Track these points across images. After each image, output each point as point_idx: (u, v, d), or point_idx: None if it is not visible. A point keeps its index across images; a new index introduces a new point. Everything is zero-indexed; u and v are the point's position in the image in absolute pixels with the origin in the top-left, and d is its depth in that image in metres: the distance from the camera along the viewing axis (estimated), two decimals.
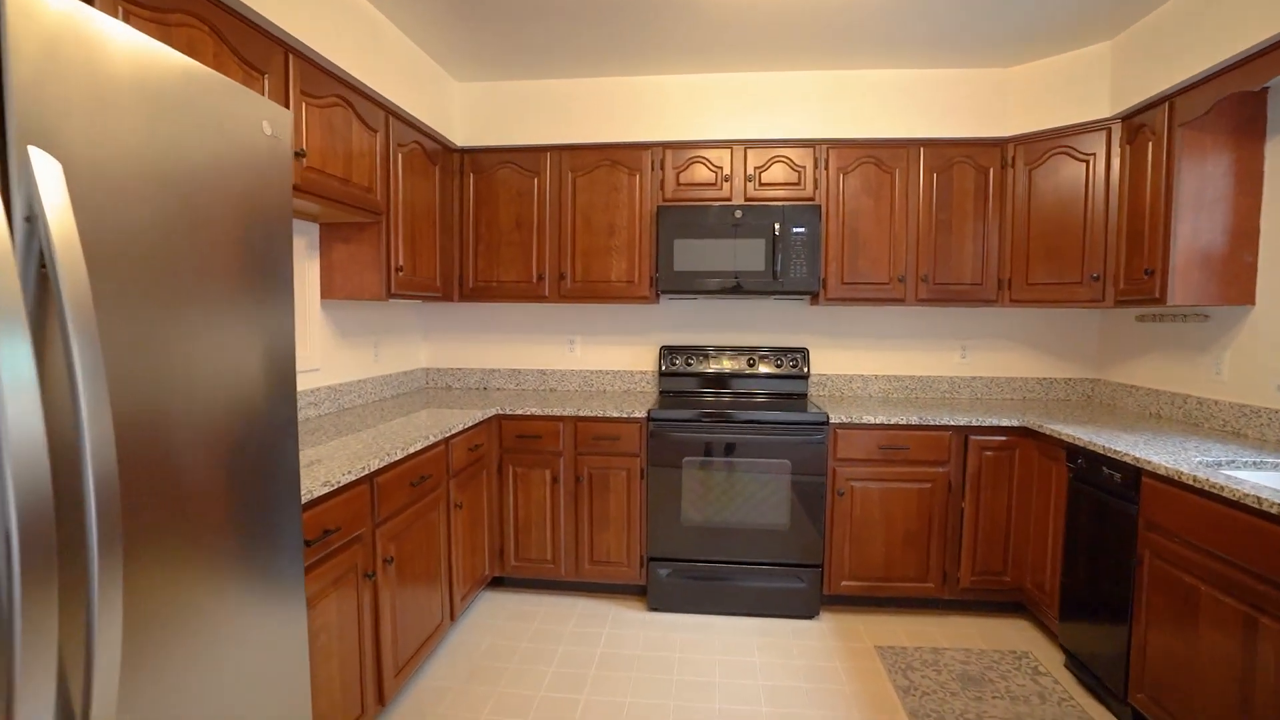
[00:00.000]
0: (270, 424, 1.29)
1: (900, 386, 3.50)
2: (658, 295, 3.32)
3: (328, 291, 2.75)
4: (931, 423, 2.85)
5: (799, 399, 3.40)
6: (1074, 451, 2.50)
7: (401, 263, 2.79)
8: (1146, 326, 3.04)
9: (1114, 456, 2.22)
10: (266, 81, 1.92)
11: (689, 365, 3.51)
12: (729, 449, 2.92)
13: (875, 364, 3.53)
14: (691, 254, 3.16)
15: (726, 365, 3.50)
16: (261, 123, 1.21)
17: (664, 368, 3.52)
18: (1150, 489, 2.06)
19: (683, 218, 3.15)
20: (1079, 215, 2.87)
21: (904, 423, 2.86)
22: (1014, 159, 3.06)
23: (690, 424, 2.94)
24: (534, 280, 3.35)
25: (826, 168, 3.16)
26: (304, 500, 1.60)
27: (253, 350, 1.25)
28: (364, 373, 3.15)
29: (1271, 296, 2.42)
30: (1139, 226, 2.62)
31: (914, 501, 2.90)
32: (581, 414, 3.00)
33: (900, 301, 3.17)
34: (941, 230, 3.12)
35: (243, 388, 1.22)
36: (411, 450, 2.19)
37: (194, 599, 1.11)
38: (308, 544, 1.62)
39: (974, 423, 2.83)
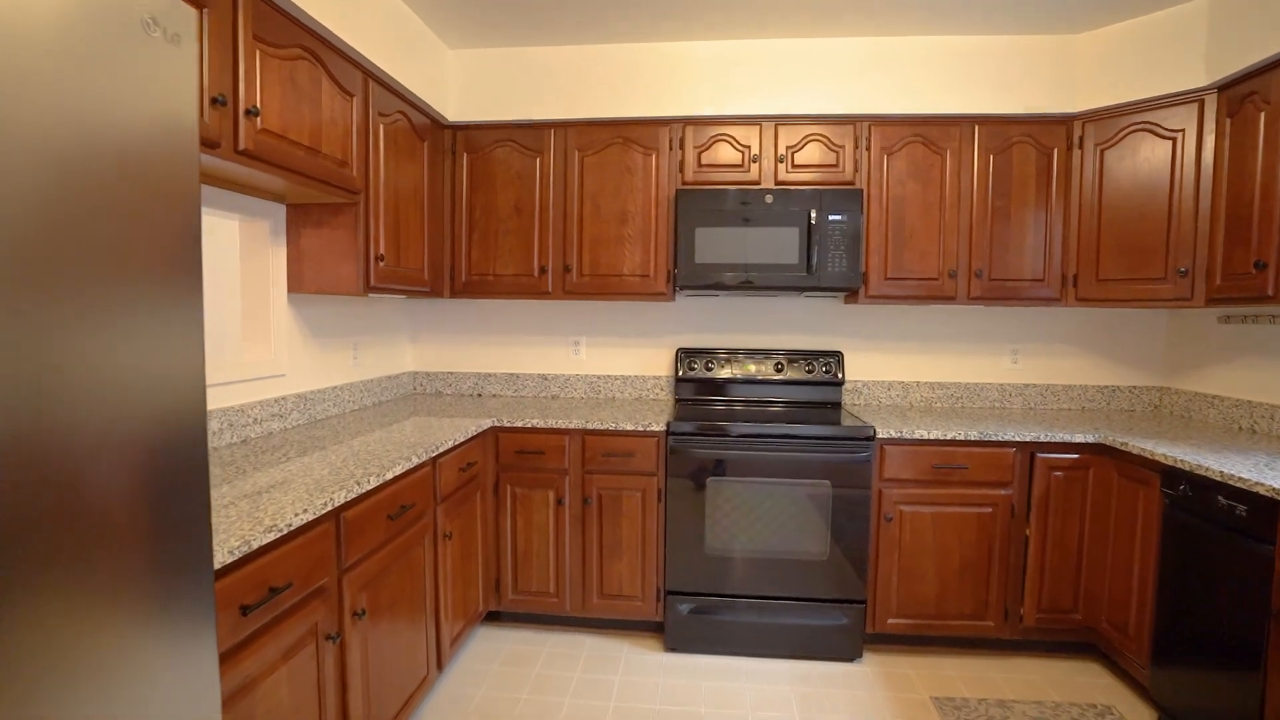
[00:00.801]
0: (162, 464, 0.91)
1: (945, 395, 3.14)
2: (675, 291, 2.94)
3: (296, 284, 2.36)
4: (993, 438, 2.48)
5: (832, 409, 3.02)
6: (1172, 475, 2.13)
7: (383, 251, 2.40)
8: (1235, 329, 2.68)
9: (1237, 485, 1.85)
10: (206, 17, 1.53)
11: (709, 370, 3.13)
12: (761, 467, 2.54)
13: (916, 369, 3.16)
14: (714, 244, 2.79)
15: (751, 370, 3.13)
16: (141, 18, 0.82)
17: (680, 373, 3.14)
18: None
19: (705, 203, 2.78)
20: (1162, 201, 2.51)
21: (962, 438, 2.49)
22: (1082, 138, 2.70)
23: (716, 439, 2.56)
24: (535, 274, 2.96)
25: (868, 148, 2.79)
26: (245, 551, 1.21)
27: (130, 365, 0.86)
28: (341, 378, 2.75)
29: None
30: (1244, 213, 2.26)
31: (972, 528, 2.53)
32: (590, 426, 2.62)
33: (951, 300, 2.80)
34: (998, 219, 2.76)
35: (121, 418, 0.84)
36: (390, 476, 1.80)
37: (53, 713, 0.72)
38: (246, 610, 1.23)
39: (1042, 438, 2.47)
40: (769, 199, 2.75)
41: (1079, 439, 2.46)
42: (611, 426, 2.60)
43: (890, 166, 2.78)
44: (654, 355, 3.28)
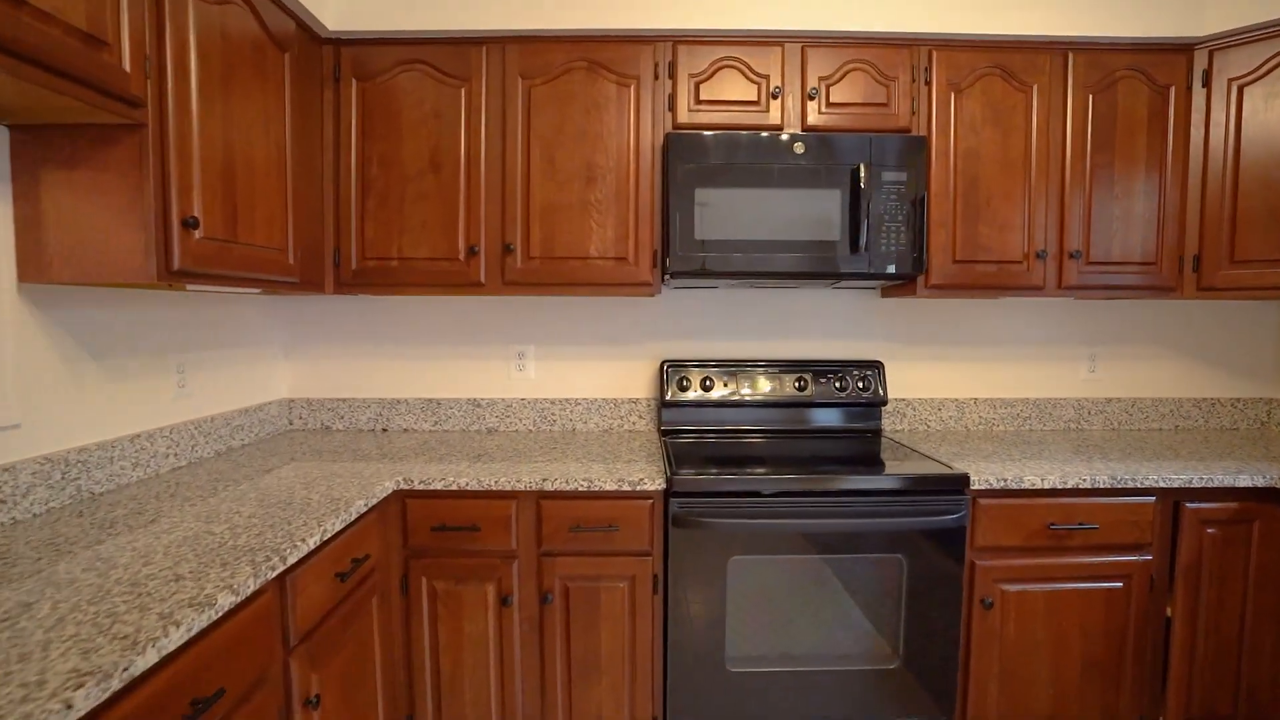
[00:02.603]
0: None
1: (1009, 415, 2.42)
2: (662, 281, 2.10)
3: (35, 268, 1.36)
4: (1130, 483, 1.75)
5: (871, 438, 2.25)
6: None
7: (197, 213, 1.43)
8: None
9: None
10: None
11: (706, 390, 2.29)
12: (804, 540, 1.72)
13: (971, 382, 2.43)
14: (721, 214, 1.95)
15: (765, 390, 2.31)
16: None
17: (668, 394, 2.29)
18: None
19: (707, 155, 1.94)
20: None
21: (1088, 484, 1.74)
22: (1210, 71, 2.02)
23: (741, 500, 1.72)
24: (461, 257, 2.04)
25: (930, 81, 2.02)
26: None
27: None
28: (153, 420, 1.75)
29: None
30: None
31: (1098, 610, 1.80)
32: (550, 486, 1.72)
33: (1038, 290, 2.07)
34: (1099, 181, 2.04)
35: None
36: (170, 650, 0.87)
37: None
38: None
39: (1194, 482, 1.76)
40: (799, 148, 1.94)
41: (1243, 482, 1.77)
42: (582, 485, 1.72)
43: (960, 108, 2.02)
44: (630, 370, 2.42)
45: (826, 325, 2.41)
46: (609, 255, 2.03)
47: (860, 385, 2.31)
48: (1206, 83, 2.02)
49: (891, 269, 1.96)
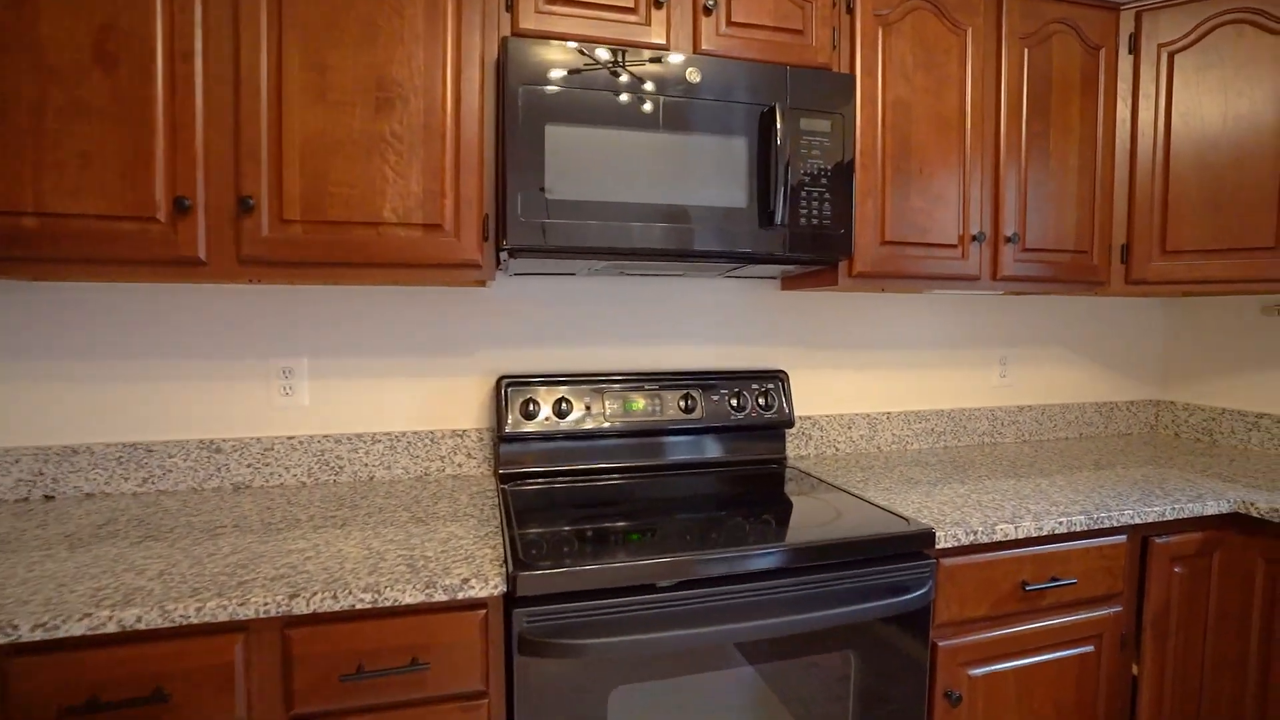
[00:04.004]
0: None
1: (924, 430, 2.05)
2: (497, 263, 1.44)
3: None
4: (1104, 521, 1.40)
5: (774, 467, 1.76)
6: None
7: None
8: None
9: None
10: None
11: (561, 417, 1.66)
12: (723, 654, 1.15)
13: (883, 392, 2.03)
14: (583, 164, 1.34)
15: (641, 411, 1.72)
16: None
17: (508, 423, 1.63)
18: None
19: (563, 77, 1.32)
20: (1272, 133, 1.65)
21: (1064, 529, 1.36)
22: (1139, 37, 1.77)
23: (624, 601, 1.10)
24: (160, 215, 1.23)
25: (853, 9, 1.56)
26: None
27: None
28: None
29: None
30: None
31: (1070, 682, 1.43)
32: (304, 599, 0.99)
33: (972, 282, 1.70)
34: (1035, 153, 1.71)
35: None
36: None
37: None
38: None
39: (1167, 514, 1.45)
40: (693, 75, 1.38)
41: (1210, 508, 1.49)
42: (364, 600, 1.00)
43: (889, 46, 1.58)
44: (454, 391, 1.71)
45: (719, 326, 1.89)
46: (414, 220, 1.33)
47: (761, 402, 1.81)
48: (1134, 48, 1.76)
49: (816, 251, 1.47)
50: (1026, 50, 1.68)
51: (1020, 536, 1.32)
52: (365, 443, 1.64)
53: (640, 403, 1.73)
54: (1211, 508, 1.48)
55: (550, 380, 1.68)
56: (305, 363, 1.62)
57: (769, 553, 1.16)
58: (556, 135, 1.33)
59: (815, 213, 1.46)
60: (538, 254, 1.37)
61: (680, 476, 1.69)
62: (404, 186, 1.32)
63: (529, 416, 1.64)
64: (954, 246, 1.65)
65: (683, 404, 1.75)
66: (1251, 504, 1.49)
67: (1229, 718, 1.56)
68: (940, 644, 1.31)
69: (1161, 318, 2.31)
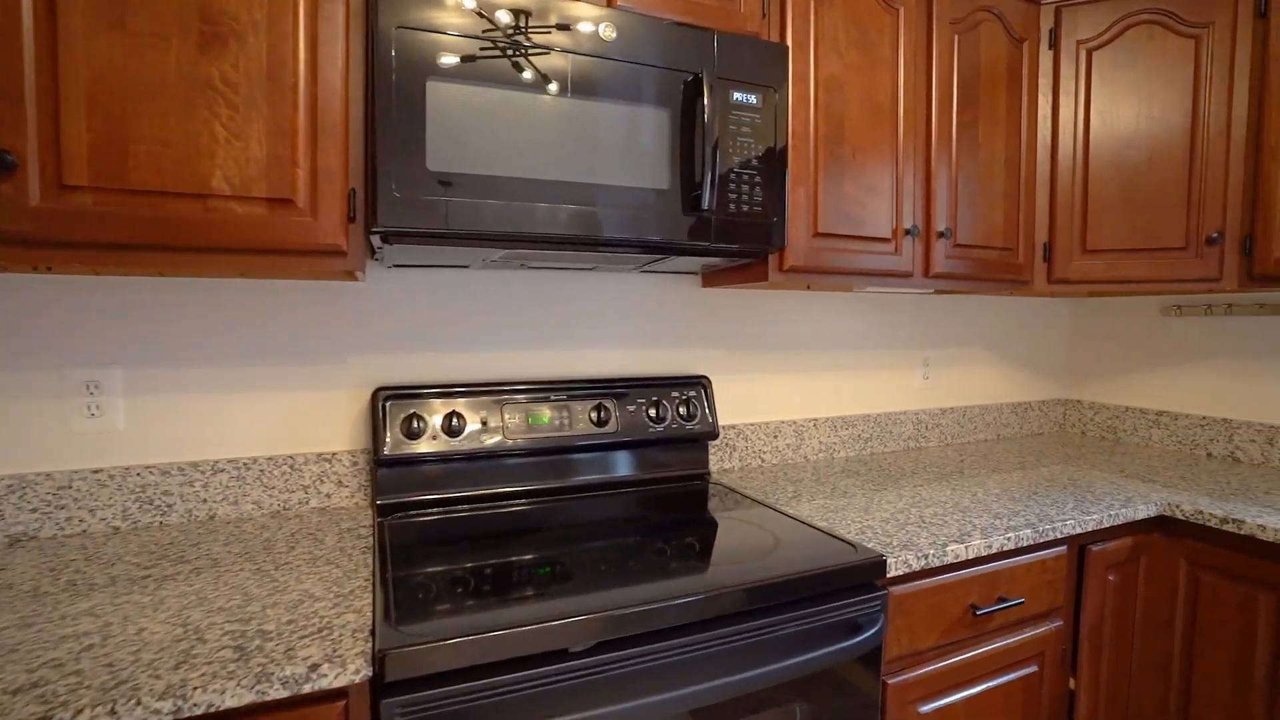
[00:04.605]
0: None
1: (851, 437, 1.94)
2: (368, 252, 1.18)
3: None
4: (1049, 533, 1.31)
5: (698, 483, 1.59)
6: None
7: None
8: (1187, 323, 2.00)
9: None
10: None
11: (453, 435, 1.40)
12: (649, 712, 0.95)
13: (808, 398, 1.90)
14: (474, 132, 1.10)
15: (548, 424, 1.49)
16: None
17: (386, 444, 1.35)
18: None
19: (450, 24, 1.08)
20: (1182, 133, 1.65)
21: (1011, 545, 1.26)
22: (1059, 32, 1.73)
23: (530, 672, 0.88)
24: None
25: None
26: None
27: None
28: None
29: None
30: None
31: (1016, 705, 1.34)
32: (63, 707, 0.69)
33: (905, 279, 1.59)
34: (965, 144, 1.64)
35: None
36: None
37: None
38: None
39: (1104, 521, 1.39)
40: (607, 32, 1.18)
41: (1141, 512, 1.45)
42: (161, 712, 0.72)
43: (821, 18, 1.44)
44: (319, 406, 1.41)
45: (635, 327, 1.69)
46: (256, 193, 1.04)
47: (682, 412, 1.63)
48: (1054, 44, 1.73)
49: (744, 242, 1.30)
50: (956, 37, 1.60)
51: (971, 556, 1.21)
52: (203, 473, 1.31)
53: (546, 415, 1.50)
54: (1142, 511, 1.44)
55: (439, 391, 1.42)
56: (119, 374, 1.28)
57: (706, 598, 0.97)
58: (441, 94, 1.08)
59: (746, 199, 1.30)
60: (418, 239, 1.12)
61: (593, 499, 1.47)
62: (241, 149, 1.03)
63: (413, 435, 1.37)
64: (888, 240, 1.53)
65: (594, 416, 1.54)
66: (1177, 506, 1.46)
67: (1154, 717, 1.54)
68: (890, 681, 1.17)
69: (1067, 318, 2.35)
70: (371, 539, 1.21)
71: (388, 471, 1.38)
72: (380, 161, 1.05)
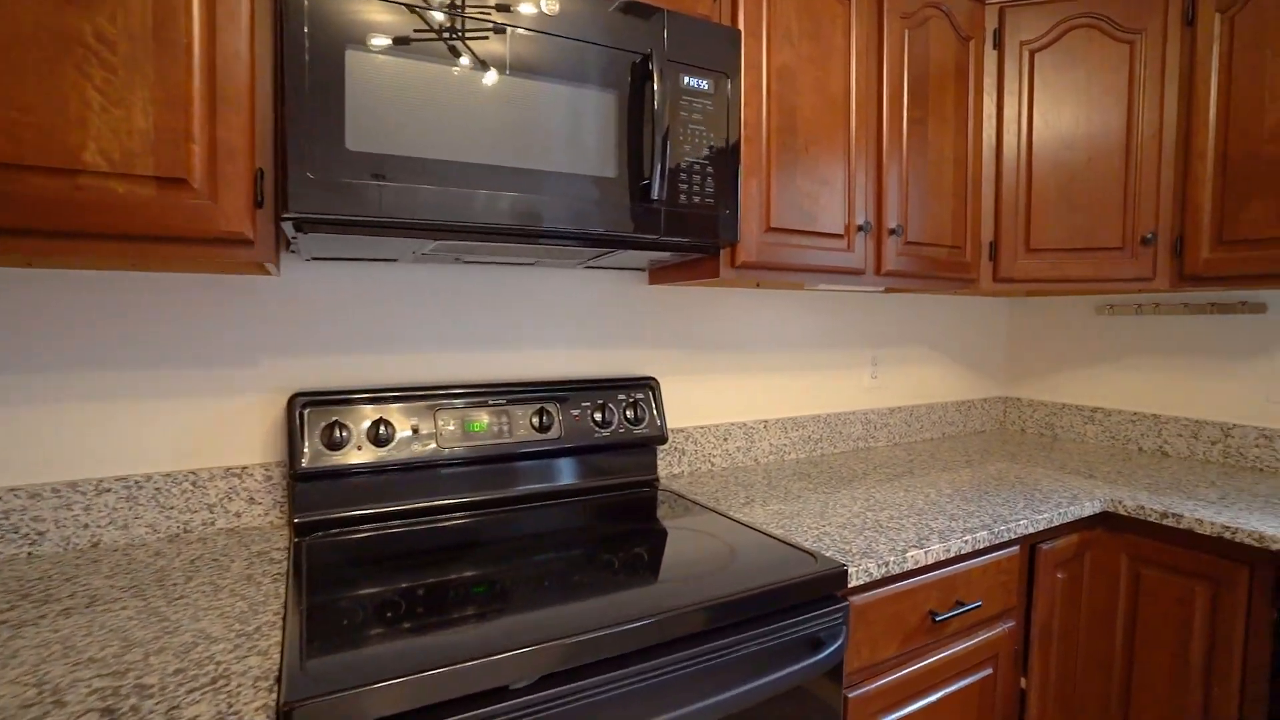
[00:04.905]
0: None
1: (801, 438, 1.90)
2: (281, 245, 1.06)
3: None
4: (1004, 534, 1.30)
5: (646, 490, 1.51)
6: None
7: None
8: (1119, 322, 2.06)
9: None
10: None
11: (381, 445, 1.27)
12: None
13: (759, 398, 1.85)
14: (401, 108, 0.99)
15: (483, 432, 1.38)
16: None
17: (305, 455, 1.22)
18: None
19: None
20: (1118, 136, 1.68)
21: (968, 548, 1.24)
22: (1003, 32, 1.74)
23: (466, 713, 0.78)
24: None
25: None
26: None
27: None
28: None
29: None
30: (1265, 151, 1.51)
31: (972, 710, 1.31)
32: None
33: (857, 276, 1.56)
34: (915, 141, 1.62)
35: None
36: None
37: None
38: None
39: (1054, 520, 1.38)
40: (549, 5, 1.08)
41: (1087, 509, 1.45)
42: None
43: (773, 5, 1.38)
44: (224, 415, 1.26)
45: (579, 326, 1.59)
46: (140, 170, 0.90)
47: (630, 415, 1.55)
48: (999, 44, 1.74)
49: (695, 236, 1.23)
50: (907, 32, 1.58)
51: (930, 562, 1.17)
52: (84, 494, 1.14)
53: (484, 421, 1.39)
54: (1088, 509, 1.45)
55: (365, 397, 1.29)
56: None
57: (661, 620, 0.89)
58: (363, 65, 0.97)
59: (698, 190, 1.23)
60: (337, 228, 0.99)
61: (536, 510, 1.38)
62: (122, 119, 0.89)
63: (335, 445, 1.24)
64: (840, 237, 1.50)
65: (537, 421, 1.44)
66: (1120, 502, 1.48)
67: (1098, 713, 1.55)
68: (851, 695, 1.12)
69: (1006, 317, 2.39)
70: (286, 563, 1.07)
71: (306, 486, 1.24)
72: (291, 139, 0.93)
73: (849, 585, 1.07)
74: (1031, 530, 1.33)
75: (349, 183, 0.96)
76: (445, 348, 1.44)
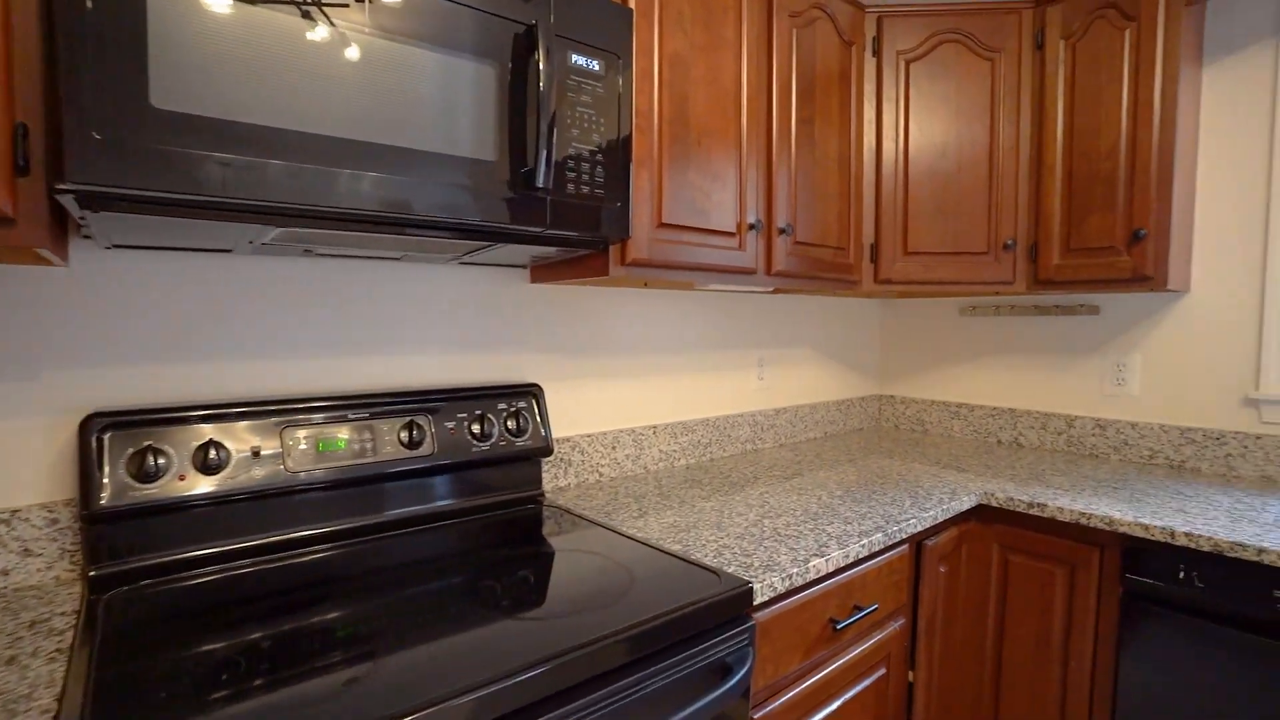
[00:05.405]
0: None
1: (691, 443, 1.85)
2: (70, 224, 0.83)
3: None
4: (896, 534, 1.30)
5: (531, 507, 1.39)
6: (1148, 553, 1.33)
7: None
8: (980, 322, 2.20)
9: None
10: None
11: (209, 471, 1.06)
12: None
13: (648, 404, 1.78)
14: (225, 59, 0.80)
15: (341, 451, 1.20)
16: None
17: (104, 492, 0.98)
18: None
19: None
20: (983, 147, 1.77)
21: (865, 552, 1.22)
22: (882, 40, 1.78)
23: None
24: None
25: None
26: None
27: None
28: None
29: (1219, 277, 1.74)
30: (1103, 169, 1.64)
31: (870, 713, 1.31)
32: None
33: (749, 275, 1.52)
34: (804, 140, 1.61)
35: None
36: None
37: None
38: None
39: (939, 517, 1.42)
40: None
41: (965, 503, 1.51)
42: None
43: None
44: None
45: (453, 329, 1.43)
46: None
47: (511, 426, 1.41)
48: (878, 51, 1.78)
49: (585, 229, 1.13)
50: (795, 30, 1.56)
51: (831, 569, 1.14)
52: None
53: (342, 439, 1.20)
54: (966, 503, 1.50)
55: (192, 415, 1.07)
56: None
57: (556, 666, 0.77)
58: (166, 16, 0.77)
59: (586, 180, 1.12)
60: (139, 206, 0.79)
61: (408, 536, 1.21)
62: None
63: (149, 476, 1.01)
64: (732, 235, 1.45)
65: (406, 436, 1.27)
66: (992, 495, 1.55)
67: (973, 696, 1.62)
68: (757, 717, 1.07)
69: (879, 317, 2.49)
70: (72, 632, 0.84)
71: (106, 528, 1.00)
72: (68, 86, 0.72)
73: (754, 603, 1.01)
74: (920, 529, 1.35)
75: (156, 149, 0.77)
76: (295, 355, 1.23)
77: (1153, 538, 1.32)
